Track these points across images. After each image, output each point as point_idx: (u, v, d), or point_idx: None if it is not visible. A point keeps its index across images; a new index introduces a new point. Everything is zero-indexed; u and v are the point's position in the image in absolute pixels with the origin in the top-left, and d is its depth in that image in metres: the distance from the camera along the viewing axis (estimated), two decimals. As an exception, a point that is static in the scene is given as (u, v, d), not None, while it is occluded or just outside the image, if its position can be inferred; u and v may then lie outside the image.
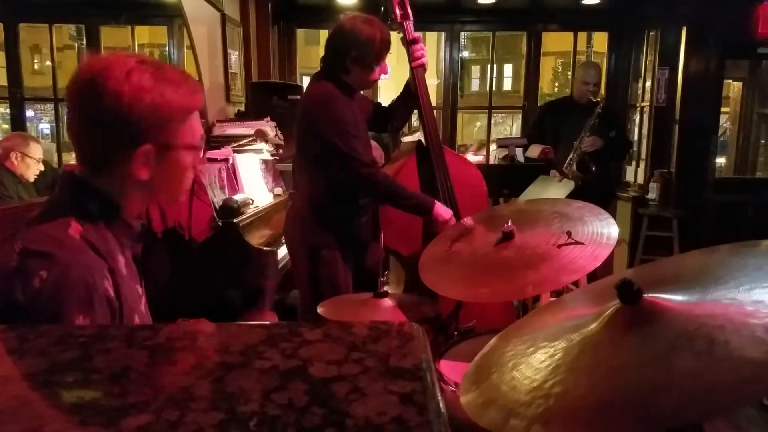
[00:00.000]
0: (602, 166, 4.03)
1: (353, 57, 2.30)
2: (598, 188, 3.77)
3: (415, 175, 2.60)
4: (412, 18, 2.52)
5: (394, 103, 2.69)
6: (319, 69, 2.42)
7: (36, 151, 3.40)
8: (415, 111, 2.67)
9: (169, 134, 1.10)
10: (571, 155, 3.91)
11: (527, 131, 4.66)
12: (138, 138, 1.07)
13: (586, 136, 3.93)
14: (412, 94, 2.59)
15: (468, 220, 1.97)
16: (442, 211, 2.35)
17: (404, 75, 2.63)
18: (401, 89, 2.67)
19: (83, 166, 1.13)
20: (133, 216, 1.18)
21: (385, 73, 2.43)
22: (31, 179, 3.39)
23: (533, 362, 0.89)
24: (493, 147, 5.71)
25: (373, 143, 3.39)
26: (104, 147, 1.09)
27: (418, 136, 2.75)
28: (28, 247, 1.02)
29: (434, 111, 2.66)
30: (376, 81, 2.46)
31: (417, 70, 2.54)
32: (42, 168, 3.46)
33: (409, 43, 2.52)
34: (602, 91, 5.00)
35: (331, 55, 2.35)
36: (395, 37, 2.51)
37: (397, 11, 2.50)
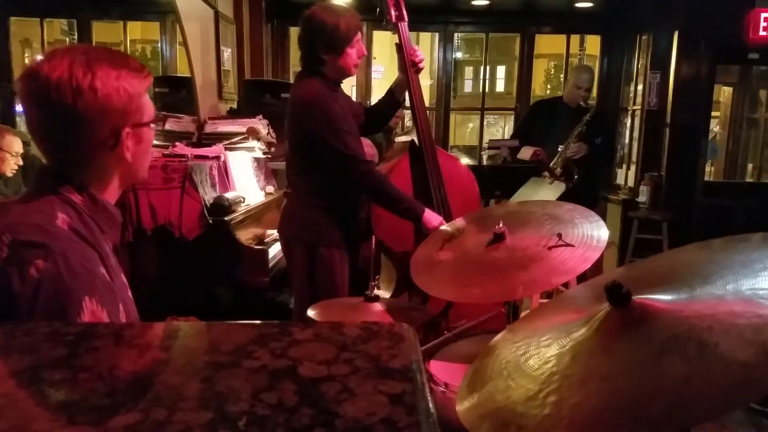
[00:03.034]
0: (588, 171, 4.07)
1: (324, 47, 2.30)
2: (583, 191, 3.78)
3: (407, 174, 2.60)
4: (407, 19, 2.52)
5: (378, 107, 2.71)
6: (300, 69, 2.44)
7: (13, 144, 3.22)
8: (408, 111, 2.68)
9: (138, 113, 1.14)
10: (555, 159, 3.93)
11: (515, 127, 4.68)
12: (120, 122, 1.11)
13: (572, 143, 3.95)
14: (396, 97, 2.61)
15: (460, 221, 1.97)
16: (431, 218, 2.33)
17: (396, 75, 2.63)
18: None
19: (58, 161, 1.14)
20: (113, 203, 1.19)
21: (363, 54, 2.43)
22: (9, 174, 3.27)
23: (527, 370, 0.89)
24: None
25: (367, 141, 3.39)
26: (87, 143, 1.11)
27: (411, 135, 2.75)
28: (19, 238, 1.02)
29: (427, 112, 2.66)
30: (356, 66, 2.43)
31: (414, 76, 2.54)
32: (21, 162, 3.33)
33: (409, 52, 2.50)
34: (594, 94, 5.03)
35: (306, 51, 2.37)
36: (389, 40, 2.51)
37: (393, 12, 2.50)
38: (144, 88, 1.16)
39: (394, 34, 2.55)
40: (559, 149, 3.94)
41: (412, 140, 2.68)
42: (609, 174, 5.65)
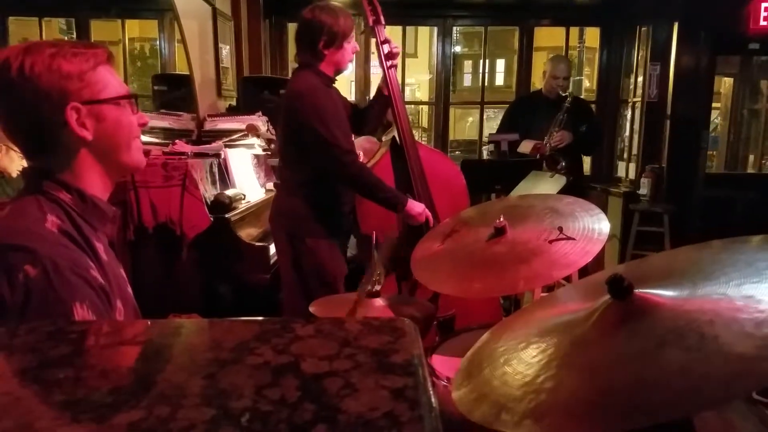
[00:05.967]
0: (574, 160, 4.07)
1: (324, 42, 2.42)
2: (569, 182, 3.78)
3: (389, 171, 2.68)
4: (383, 22, 2.67)
5: (369, 106, 2.80)
6: (297, 65, 2.54)
7: None
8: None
9: (88, 90, 1.12)
10: None
11: (498, 126, 4.67)
12: (61, 101, 1.09)
13: (555, 132, 3.96)
14: (383, 94, 2.69)
15: (448, 222, 1.97)
16: (414, 206, 2.46)
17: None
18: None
19: (31, 156, 1.17)
20: (100, 198, 1.17)
21: (356, 50, 2.59)
22: (14, 174, 3.29)
23: (525, 357, 0.90)
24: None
25: (372, 139, 3.43)
26: (37, 124, 1.11)
27: (392, 133, 2.81)
28: (8, 242, 1.01)
29: (406, 108, 2.79)
30: (350, 61, 2.58)
31: (390, 70, 2.66)
32: (25, 164, 3.36)
33: (382, 43, 2.65)
34: (594, 85, 5.02)
35: (304, 47, 2.48)
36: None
37: (370, 17, 2.66)
38: (91, 65, 1.12)
39: (372, 37, 2.71)
40: (544, 140, 3.96)
41: (393, 137, 2.74)
42: (609, 167, 5.64)
